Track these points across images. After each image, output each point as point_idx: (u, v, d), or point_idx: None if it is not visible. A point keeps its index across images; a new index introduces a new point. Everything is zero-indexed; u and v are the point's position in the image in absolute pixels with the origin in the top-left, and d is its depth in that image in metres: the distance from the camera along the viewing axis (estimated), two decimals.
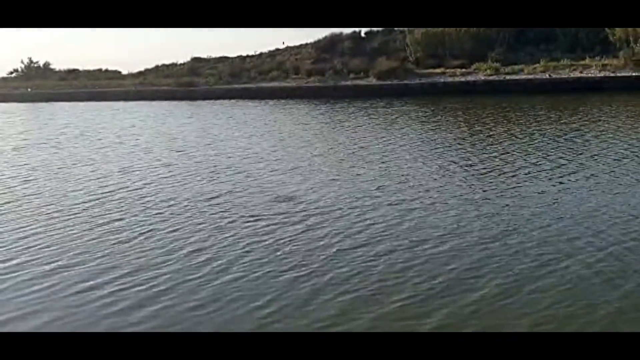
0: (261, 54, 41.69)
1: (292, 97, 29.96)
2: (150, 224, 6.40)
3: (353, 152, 11.26)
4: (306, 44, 40.81)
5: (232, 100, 29.46)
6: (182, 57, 44.78)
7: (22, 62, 49.71)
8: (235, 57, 42.27)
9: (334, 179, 8.54)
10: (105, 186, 8.54)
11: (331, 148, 12.01)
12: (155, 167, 10.15)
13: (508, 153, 10.47)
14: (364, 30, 40.02)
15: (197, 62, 41.51)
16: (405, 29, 36.77)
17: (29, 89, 40.83)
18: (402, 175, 8.74)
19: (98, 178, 9.26)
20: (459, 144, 12.03)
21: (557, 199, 7.04)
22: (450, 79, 28.87)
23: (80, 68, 47.39)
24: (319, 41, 39.76)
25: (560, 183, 7.90)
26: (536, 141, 11.71)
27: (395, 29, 39.09)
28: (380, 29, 39.68)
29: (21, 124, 21.40)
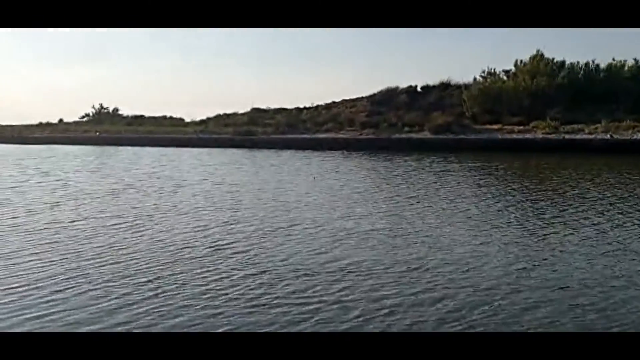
0: (317, 106, 42.83)
1: (346, 148, 30.38)
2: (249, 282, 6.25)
3: (410, 208, 11.29)
4: (361, 98, 41.68)
5: (289, 150, 30.13)
6: (243, 107, 46.43)
7: (93, 107, 53.15)
8: (292, 109, 43.59)
9: (395, 240, 8.55)
10: (200, 237, 8.57)
11: (387, 202, 12.08)
12: (246, 218, 10.24)
13: (568, 216, 10.23)
14: (420, 84, 40.68)
15: (256, 112, 43.00)
16: (462, 84, 37.13)
17: (97, 133, 43.22)
18: (459, 236, 8.69)
19: (193, 229, 9.33)
20: (517, 202, 11.86)
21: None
22: (507, 136, 28.65)
23: (146, 114, 50.12)
24: (374, 95, 40.58)
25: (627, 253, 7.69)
26: (597, 204, 11.43)
27: (452, 84, 39.54)
28: (435, 83, 40.25)
29: (102, 168, 22.39)
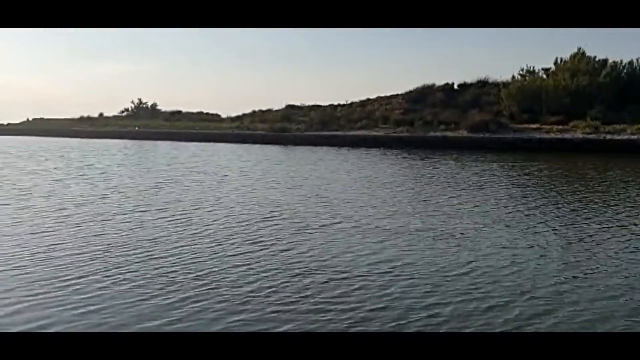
0: (352, 103, 42.82)
1: (379, 146, 30.30)
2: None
3: (449, 208, 11.25)
4: (396, 95, 41.49)
5: (323, 147, 30.24)
6: (278, 104, 46.88)
7: (132, 102, 54.47)
8: (327, 106, 43.68)
9: (430, 244, 8.55)
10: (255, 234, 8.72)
11: (426, 202, 12.06)
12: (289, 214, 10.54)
13: (611, 219, 10.01)
14: (456, 82, 40.26)
15: (291, 109, 43.27)
16: (499, 83, 36.57)
17: (137, 128, 44.22)
18: (494, 240, 8.63)
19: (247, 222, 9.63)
20: (558, 204, 11.66)
21: None
22: (546, 135, 28.14)
23: (184, 110, 51.11)
24: (409, 92, 40.33)
25: None
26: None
27: (489, 82, 38.99)
28: (472, 81, 39.76)
29: (142, 162, 22.91)
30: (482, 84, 39.02)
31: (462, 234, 8.65)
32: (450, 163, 21.10)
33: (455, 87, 39.89)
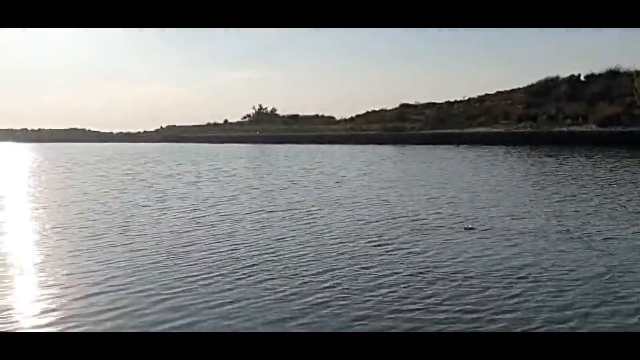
0: (469, 99, 41.62)
1: (500, 143, 29.13)
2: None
3: (583, 209, 10.62)
4: (518, 89, 39.72)
5: (441, 146, 29.69)
6: (391, 104, 46.89)
7: (253, 108, 57.23)
8: (442, 103, 42.87)
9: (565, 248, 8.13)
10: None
11: (558, 202, 11.47)
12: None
13: None
14: (583, 73, 37.66)
15: (405, 108, 43.01)
16: (633, 72, 33.64)
17: (257, 132, 46.40)
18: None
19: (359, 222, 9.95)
20: None
21: None
22: None
23: (300, 114, 52.80)
24: (532, 86, 38.43)
25: None
26: None
27: (620, 71, 36.02)
28: (601, 71, 36.97)
29: (265, 165, 24.06)
30: (613, 74, 36.20)
31: (602, 236, 8.10)
32: (581, 160, 19.81)
33: (582, 78, 37.38)
